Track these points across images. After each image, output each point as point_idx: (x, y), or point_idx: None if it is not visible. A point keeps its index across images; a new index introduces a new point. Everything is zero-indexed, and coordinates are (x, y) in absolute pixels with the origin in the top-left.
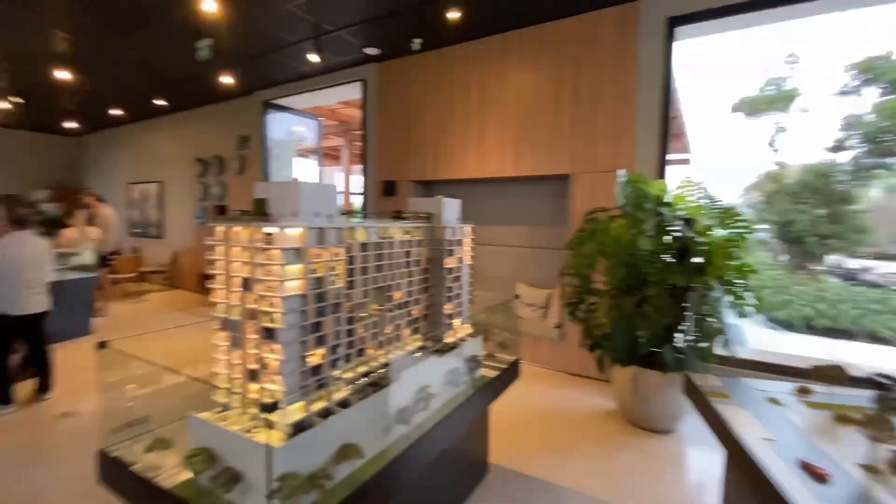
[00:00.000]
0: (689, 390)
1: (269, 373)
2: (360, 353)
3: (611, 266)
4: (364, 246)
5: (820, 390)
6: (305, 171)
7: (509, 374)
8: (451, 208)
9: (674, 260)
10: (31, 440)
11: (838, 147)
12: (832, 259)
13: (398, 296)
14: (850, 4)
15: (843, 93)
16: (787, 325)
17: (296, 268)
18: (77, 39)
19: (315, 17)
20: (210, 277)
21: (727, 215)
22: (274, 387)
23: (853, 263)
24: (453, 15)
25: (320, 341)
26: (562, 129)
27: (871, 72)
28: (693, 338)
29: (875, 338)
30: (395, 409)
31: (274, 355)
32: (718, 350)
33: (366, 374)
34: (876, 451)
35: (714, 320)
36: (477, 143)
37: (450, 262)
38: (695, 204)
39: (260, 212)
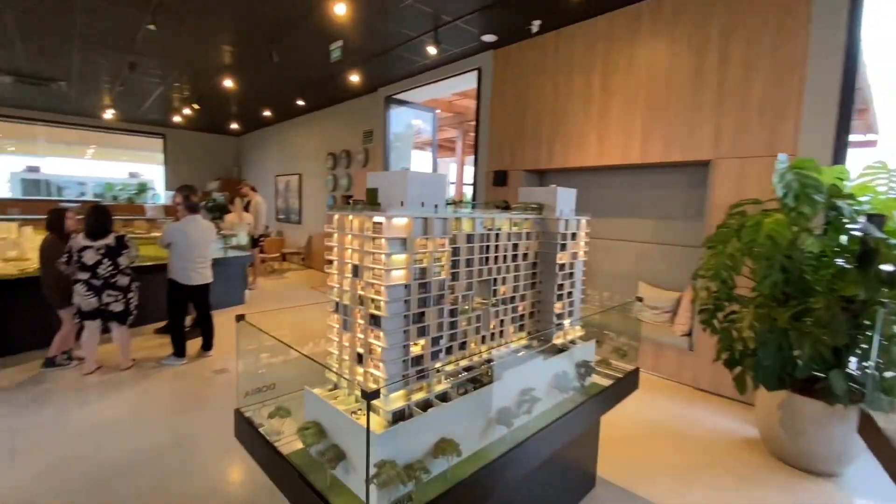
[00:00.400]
0: (865, 429)
1: (374, 358)
2: (462, 346)
3: (761, 269)
4: (470, 237)
5: None
6: (422, 162)
7: (626, 385)
8: (565, 199)
9: (851, 266)
10: (192, 388)
11: None
12: None
13: (504, 290)
14: None
15: None
16: None
17: (401, 257)
18: (236, 50)
19: (435, 8)
20: (328, 262)
21: None
22: (377, 373)
23: None
24: None
25: (422, 332)
26: (702, 107)
27: None
28: (874, 365)
29: None
30: (495, 409)
31: (378, 342)
32: None
33: (467, 369)
34: None
35: None
36: (597, 128)
37: (562, 258)
38: (884, 196)
39: (372, 201)
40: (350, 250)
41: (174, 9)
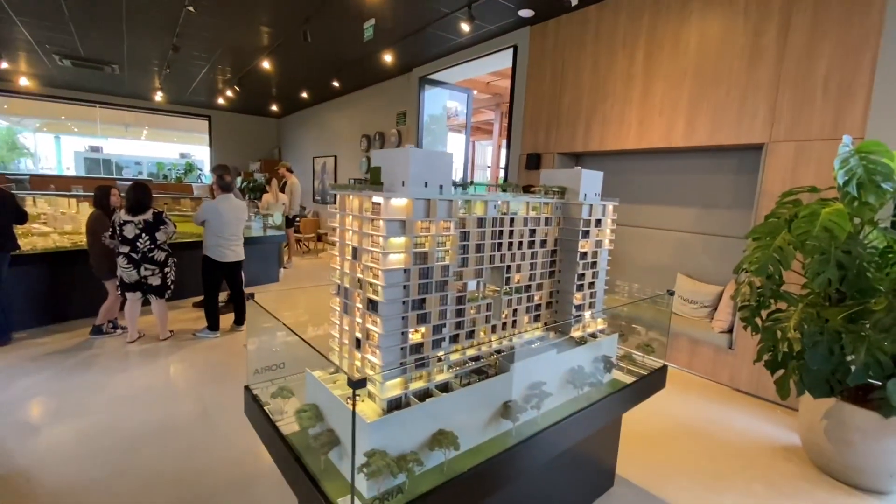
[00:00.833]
0: None
1: (371, 344)
2: (471, 335)
3: (814, 265)
4: (481, 221)
5: None
6: (456, 144)
7: (651, 383)
8: (590, 182)
9: None
10: (222, 361)
11: None
12: None
13: (518, 278)
14: None
15: None
16: None
17: (399, 240)
18: (272, 31)
19: None
20: (332, 243)
21: None
22: (374, 359)
23: None
24: None
25: (423, 319)
26: (758, 85)
27: None
28: None
29: None
30: (500, 403)
31: (375, 328)
32: None
33: (475, 359)
34: None
35: None
36: (639, 109)
37: (584, 245)
38: None
39: (375, 180)
40: (350, 231)
41: None
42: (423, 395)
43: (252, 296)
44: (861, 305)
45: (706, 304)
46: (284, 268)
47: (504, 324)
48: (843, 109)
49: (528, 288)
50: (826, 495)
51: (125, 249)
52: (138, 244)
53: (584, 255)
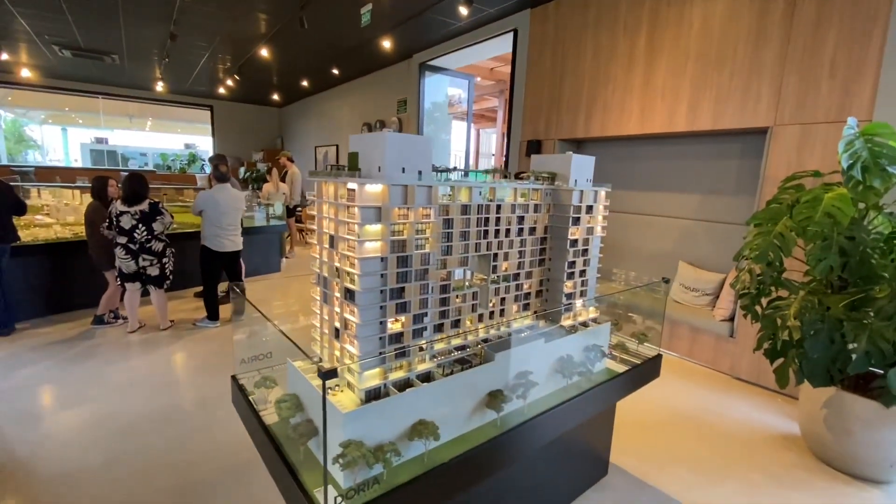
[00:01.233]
0: None
1: (349, 334)
2: (456, 324)
3: (815, 251)
4: (465, 208)
5: None
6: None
7: (644, 372)
8: (581, 167)
9: None
10: (221, 350)
11: None
12: None
13: (506, 266)
14: None
15: None
16: None
17: (375, 228)
18: (269, 19)
19: None
20: (310, 231)
21: None
22: (352, 349)
23: None
24: None
25: (403, 308)
26: (763, 67)
27: None
28: None
29: None
30: (484, 393)
31: (353, 317)
32: None
33: (460, 348)
34: None
35: None
36: (641, 93)
37: (574, 233)
38: None
39: (353, 166)
40: (327, 219)
41: None
42: (404, 385)
43: (237, 286)
44: (864, 293)
45: (708, 292)
46: (286, 257)
47: (492, 313)
48: (851, 91)
49: (516, 276)
50: (825, 485)
51: (122, 240)
52: (135, 235)
53: (574, 242)
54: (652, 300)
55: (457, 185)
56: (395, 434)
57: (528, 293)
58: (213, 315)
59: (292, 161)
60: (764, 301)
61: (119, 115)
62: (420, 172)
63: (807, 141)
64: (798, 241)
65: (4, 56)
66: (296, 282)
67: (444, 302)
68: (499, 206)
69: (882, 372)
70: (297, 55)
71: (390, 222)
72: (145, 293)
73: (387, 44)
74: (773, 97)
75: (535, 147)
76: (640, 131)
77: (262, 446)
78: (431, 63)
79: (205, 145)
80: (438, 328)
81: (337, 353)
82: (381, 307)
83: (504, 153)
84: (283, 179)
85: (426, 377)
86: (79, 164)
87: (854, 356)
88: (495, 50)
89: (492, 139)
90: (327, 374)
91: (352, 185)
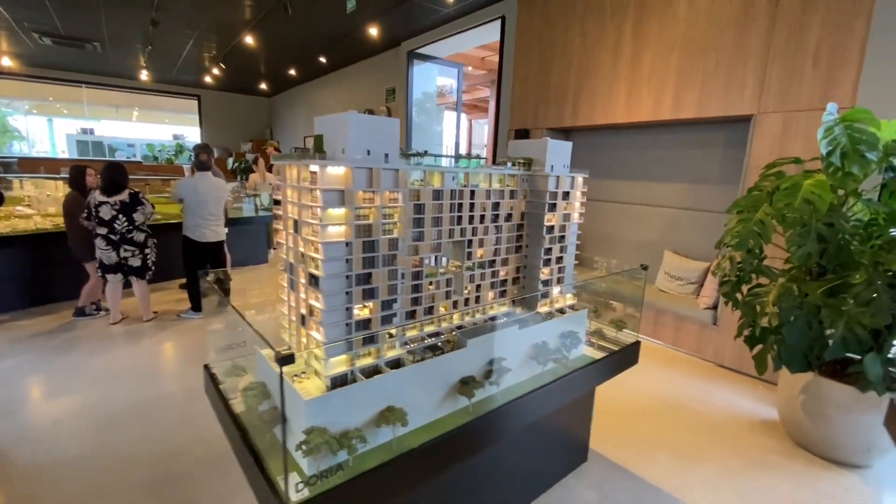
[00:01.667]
0: (894, 421)
1: (315, 321)
2: (430, 311)
3: (794, 238)
4: (437, 193)
5: None
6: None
7: (622, 359)
8: (557, 153)
9: None
10: (204, 343)
11: None
12: None
13: (481, 253)
14: None
15: None
16: None
17: (339, 212)
18: (255, 4)
19: None
20: (276, 217)
21: None
22: (317, 336)
23: None
24: None
25: (370, 294)
26: (747, 53)
27: None
28: None
29: None
30: (456, 380)
31: (317, 303)
32: None
33: (434, 335)
34: None
35: None
36: (627, 81)
37: (551, 219)
38: None
39: (318, 149)
40: (291, 203)
41: None
42: (372, 371)
43: (208, 274)
44: (842, 279)
45: (692, 280)
46: (274, 248)
47: (466, 300)
48: (834, 79)
49: (492, 263)
50: (802, 469)
51: (103, 231)
52: (115, 225)
53: (550, 228)
54: (632, 287)
55: (427, 169)
56: (363, 421)
57: (505, 280)
58: (196, 306)
59: (279, 151)
60: (744, 288)
61: (105, 105)
62: (386, 155)
63: (790, 129)
64: (778, 227)
65: None
66: (279, 272)
67: (416, 288)
68: (473, 192)
69: (858, 357)
70: (283, 43)
71: (354, 206)
72: (128, 284)
73: (374, 31)
74: (757, 85)
75: (522, 136)
76: (627, 120)
77: (231, 435)
78: (420, 51)
79: (193, 136)
80: (411, 315)
81: (304, 340)
82: (347, 293)
83: (493, 142)
84: (269, 170)
85: (396, 364)
86: (66, 156)
87: (831, 342)
88: (484, 38)
89: (484, 129)
90: (284, 360)
91: (314, 167)
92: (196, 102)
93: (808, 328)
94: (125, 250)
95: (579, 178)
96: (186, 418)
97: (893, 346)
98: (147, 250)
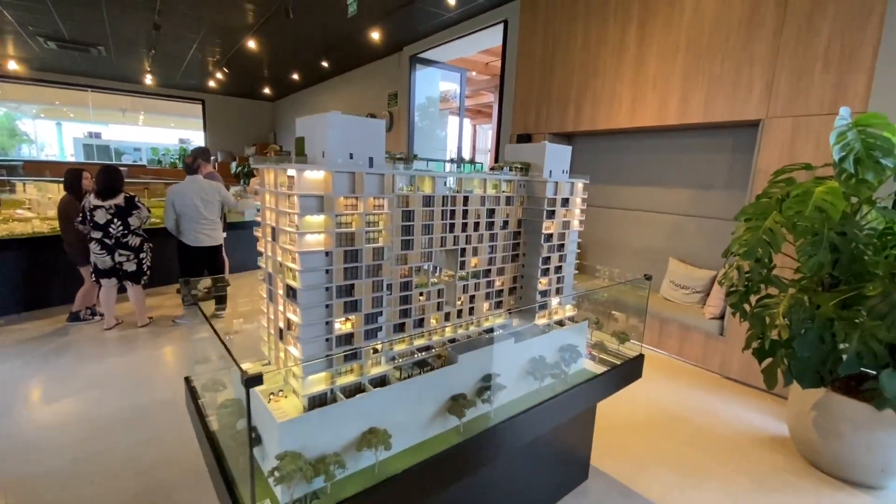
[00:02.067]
0: None
1: (292, 335)
2: (420, 324)
3: (805, 247)
4: (428, 199)
5: None
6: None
7: (625, 373)
8: (556, 157)
9: None
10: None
11: None
12: None
13: (475, 262)
14: None
15: None
16: None
17: (318, 219)
18: (257, 9)
19: None
20: (256, 223)
21: None
22: (295, 351)
23: None
24: None
25: (353, 307)
26: (755, 56)
27: None
28: None
29: None
30: (446, 397)
31: (295, 317)
32: None
33: (424, 349)
34: None
35: None
36: (631, 85)
37: (549, 227)
38: None
39: (300, 151)
40: (269, 210)
41: None
42: (355, 390)
43: (188, 282)
44: (855, 291)
45: (698, 289)
46: None
47: (460, 311)
48: (845, 82)
49: (487, 273)
50: (813, 488)
51: (97, 235)
52: (111, 230)
53: (549, 236)
54: (636, 297)
55: (416, 174)
56: (343, 444)
57: (501, 290)
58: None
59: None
60: (753, 299)
61: (110, 108)
62: (371, 159)
63: (799, 134)
64: (788, 236)
65: None
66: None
67: (405, 300)
68: (466, 198)
69: (874, 373)
70: (285, 47)
71: (335, 213)
72: (123, 289)
73: (375, 35)
74: (765, 89)
75: (525, 140)
76: (631, 124)
77: (206, 455)
78: (422, 56)
79: (198, 140)
80: (400, 328)
81: (283, 355)
82: (327, 306)
83: (495, 147)
84: None
85: (381, 381)
86: (73, 159)
87: (845, 357)
88: (486, 42)
89: (488, 135)
90: (251, 381)
91: (291, 171)
92: (200, 107)
93: (821, 341)
94: (120, 255)
95: (579, 184)
96: (175, 427)
97: None
98: (142, 255)
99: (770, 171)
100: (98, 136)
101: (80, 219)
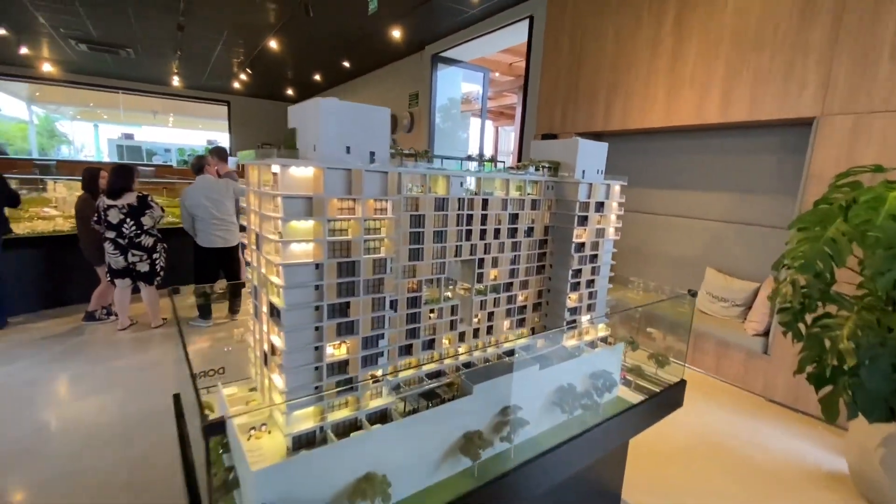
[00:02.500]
0: None
1: (276, 362)
2: (430, 345)
3: (877, 261)
4: (441, 202)
5: None
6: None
7: (664, 402)
8: (590, 155)
9: None
10: (211, 352)
11: None
12: None
13: (495, 274)
14: None
15: None
16: None
17: (306, 224)
18: (278, 9)
19: None
20: (242, 228)
21: None
22: (278, 381)
23: None
24: None
25: (348, 329)
26: (809, 49)
27: None
28: None
29: None
30: (458, 435)
31: (278, 341)
32: None
33: (435, 375)
34: None
35: None
36: (666, 81)
37: (581, 234)
38: None
39: (289, 145)
40: (253, 213)
41: None
42: (350, 427)
43: (177, 290)
44: None
45: (738, 302)
46: None
47: (476, 330)
48: None
49: (508, 286)
50: None
51: (111, 235)
52: (124, 229)
53: (580, 246)
54: (674, 312)
55: (428, 172)
56: (332, 493)
57: (524, 306)
58: (204, 314)
59: None
60: (809, 318)
61: (142, 110)
62: (373, 154)
63: (861, 133)
64: (854, 248)
65: (24, 50)
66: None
67: (413, 318)
68: (486, 201)
69: None
70: (307, 47)
71: (327, 217)
72: (135, 290)
73: (397, 33)
74: (820, 83)
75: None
76: (666, 123)
77: (183, 487)
78: (444, 55)
79: (224, 141)
80: (406, 350)
81: (268, 381)
82: (317, 328)
83: (518, 149)
84: None
85: (381, 416)
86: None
87: None
88: (510, 40)
89: (511, 137)
90: (211, 430)
91: (275, 167)
92: (226, 108)
93: (893, 370)
94: (133, 255)
95: (616, 187)
96: (172, 441)
97: None
98: (156, 255)
99: (824, 175)
100: (130, 137)
101: (95, 218)
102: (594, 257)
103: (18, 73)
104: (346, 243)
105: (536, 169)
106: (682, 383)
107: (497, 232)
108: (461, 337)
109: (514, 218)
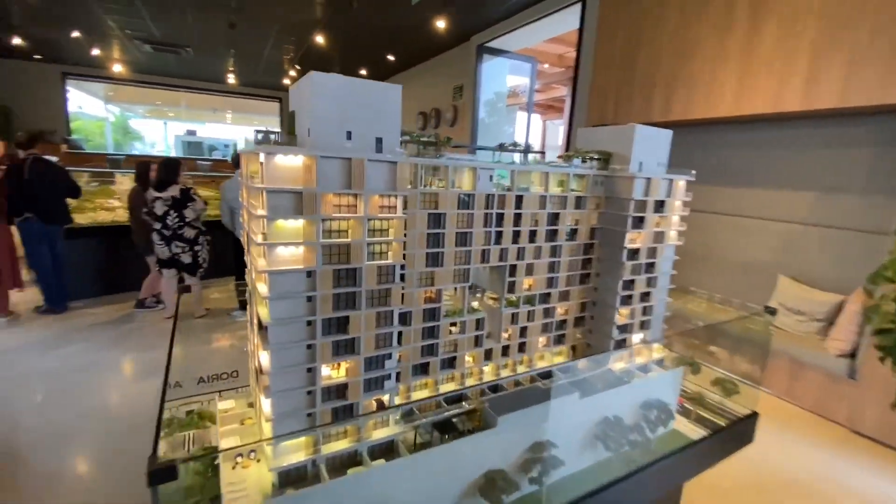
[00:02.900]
0: None
1: (262, 384)
2: (451, 364)
3: None
4: (466, 199)
5: None
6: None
7: (731, 439)
8: (650, 145)
9: None
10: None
11: None
12: None
13: (529, 283)
14: None
15: None
16: None
17: (294, 224)
18: (324, 3)
19: None
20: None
21: None
22: (266, 406)
23: None
24: None
25: (348, 347)
26: None
27: None
28: None
29: None
30: (478, 475)
31: (265, 360)
32: None
33: (455, 399)
34: None
35: None
36: (738, 66)
37: (635, 239)
38: None
39: (290, 130)
40: (245, 210)
41: None
42: (349, 462)
43: (188, 288)
44: None
45: (818, 316)
46: None
47: (506, 348)
48: None
49: (545, 298)
50: None
51: (157, 226)
52: (168, 221)
53: (633, 252)
54: (743, 329)
55: (450, 164)
56: None
57: (563, 321)
58: (242, 305)
59: None
60: None
61: (203, 108)
62: (380, 141)
63: None
64: None
65: (96, 51)
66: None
67: (430, 333)
68: (520, 198)
69: None
70: (353, 41)
71: (320, 216)
72: (180, 280)
73: (441, 24)
74: None
75: None
76: (737, 112)
77: None
78: (490, 45)
79: None
80: (422, 369)
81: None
82: (309, 346)
83: (566, 143)
84: None
85: (386, 449)
86: (174, 155)
87: None
88: (559, 27)
89: (559, 131)
90: (158, 477)
91: (262, 155)
92: (278, 105)
93: None
94: (176, 246)
95: (680, 183)
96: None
97: None
98: (198, 247)
99: None
100: (193, 133)
101: (145, 210)
102: (650, 266)
103: (93, 74)
104: (344, 247)
105: (583, 160)
106: (754, 416)
107: (533, 234)
108: (487, 355)
109: (553, 218)
